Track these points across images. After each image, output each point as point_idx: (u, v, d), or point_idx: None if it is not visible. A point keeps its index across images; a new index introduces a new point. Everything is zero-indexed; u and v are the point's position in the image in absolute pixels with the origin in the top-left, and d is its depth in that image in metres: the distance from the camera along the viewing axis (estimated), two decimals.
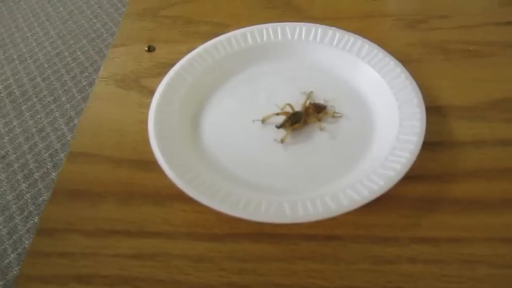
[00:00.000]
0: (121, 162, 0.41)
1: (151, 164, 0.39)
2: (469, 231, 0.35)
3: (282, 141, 0.41)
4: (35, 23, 2.04)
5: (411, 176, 0.37)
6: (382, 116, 0.42)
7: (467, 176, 0.38)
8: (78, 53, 1.85)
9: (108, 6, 2.07)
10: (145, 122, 0.42)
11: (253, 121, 0.42)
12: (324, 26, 0.48)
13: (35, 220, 1.33)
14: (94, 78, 1.74)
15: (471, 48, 0.49)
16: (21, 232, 1.29)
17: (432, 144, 0.40)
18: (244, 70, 0.47)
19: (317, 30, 0.48)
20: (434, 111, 0.43)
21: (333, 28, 0.48)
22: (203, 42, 0.49)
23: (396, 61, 0.44)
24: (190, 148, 0.40)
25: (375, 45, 0.46)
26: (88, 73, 1.77)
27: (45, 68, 1.81)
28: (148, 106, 0.43)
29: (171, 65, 0.47)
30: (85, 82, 1.73)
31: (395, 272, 0.33)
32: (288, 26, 0.49)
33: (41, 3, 2.15)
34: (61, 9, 2.10)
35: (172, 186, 0.37)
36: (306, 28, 0.48)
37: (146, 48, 0.52)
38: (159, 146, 0.38)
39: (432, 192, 0.37)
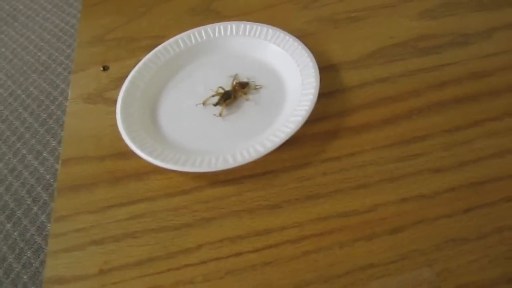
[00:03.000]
0: (104, 158, 0.54)
1: (127, 153, 0.51)
2: (360, 146, 0.49)
3: (220, 114, 0.54)
4: None
5: (316, 118, 0.51)
6: (290, 80, 0.55)
7: (356, 110, 0.52)
8: (31, 89, 1.90)
9: (49, 37, 2.12)
10: (115, 125, 0.54)
11: (196, 105, 0.55)
12: (237, 22, 0.62)
13: (28, 255, 1.40)
14: (53, 109, 1.80)
15: (353, 15, 0.64)
16: (17, 269, 1.37)
17: (328, 93, 0.54)
18: (183, 69, 0.60)
19: (232, 26, 0.61)
20: (329, 69, 0.57)
21: (244, 22, 0.61)
22: (146, 54, 0.61)
23: (295, 38, 0.58)
24: (153, 135, 0.53)
25: (277, 29, 0.59)
26: (46, 105, 1.83)
27: (2, 110, 1.85)
28: (114, 112, 0.55)
29: (124, 77, 0.59)
30: (44, 115, 1.79)
31: (313, 184, 0.47)
32: (209, 28, 0.62)
33: None
34: (3, 49, 2.13)
35: (146, 164, 0.50)
36: (223, 26, 0.61)
37: (102, 68, 0.64)
38: (130, 138, 0.51)
39: (332, 126, 0.51)
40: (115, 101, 0.56)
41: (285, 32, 0.59)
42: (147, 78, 0.58)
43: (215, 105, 0.54)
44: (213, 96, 0.55)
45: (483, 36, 0.57)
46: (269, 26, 0.60)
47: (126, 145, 0.51)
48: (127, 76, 0.59)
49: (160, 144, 0.51)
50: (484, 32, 0.57)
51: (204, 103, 0.55)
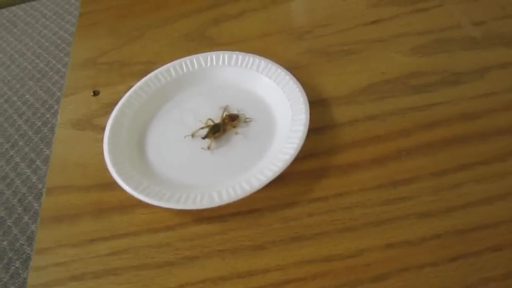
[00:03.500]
0: (89, 188, 0.53)
1: (113, 184, 0.51)
2: (348, 186, 0.49)
3: (208, 148, 0.53)
4: None
5: (304, 156, 0.51)
6: (280, 114, 0.55)
7: (345, 148, 0.52)
8: (27, 96, 1.90)
9: (48, 44, 2.12)
10: (101, 154, 0.53)
11: (185, 136, 0.55)
12: (229, 51, 0.61)
13: (17, 265, 1.39)
14: (48, 118, 1.80)
15: (346, 48, 0.63)
16: (5, 280, 1.35)
17: (318, 129, 0.54)
18: (173, 98, 0.60)
19: (224, 56, 0.61)
20: (319, 103, 0.57)
21: (236, 52, 0.61)
22: (137, 80, 0.61)
23: (286, 71, 0.58)
24: (139, 167, 0.52)
25: (269, 60, 0.59)
26: (41, 113, 1.83)
27: None
28: (101, 140, 0.55)
29: (114, 104, 0.58)
30: (39, 123, 1.78)
31: (299, 225, 0.46)
32: (201, 57, 0.61)
33: None
34: (1, 55, 2.13)
35: (131, 197, 0.49)
36: (215, 56, 0.61)
37: (92, 93, 0.64)
38: (115, 170, 0.50)
39: (320, 164, 0.51)
40: (103, 128, 0.56)
41: (277, 65, 0.58)
42: (137, 107, 0.58)
43: (204, 138, 0.53)
44: (202, 128, 0.55)
45: (475, 75, 0.57)
46: (261, 57, 0.60)
47: (111, 176, 0.51)
48: (117, 102, 0.58)
49: (146, 177, 0.51)
50: (476, 71, 0.57)
51: (192, 135, 0.55)
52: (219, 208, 0.47)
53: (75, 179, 0.54)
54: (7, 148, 1.73)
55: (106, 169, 0.52)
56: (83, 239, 0.49)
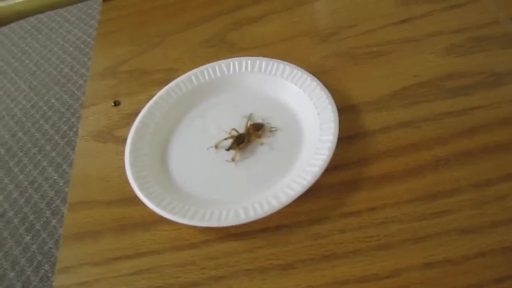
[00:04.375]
0: (111, 203, 0.52)
1: (135, 199, 0.49)
2: (381, 200, 0.46)
3: (232, 160, 0.51)
4: (5, 80, 2.09)
5: (335, 167, 0.48)
6: (307, 123, 0.52)
7: (378, 158, 0.49)
8: (53, 101, 1.92)
9: (72, 49, 2.14)
10: (123, 167, 0.52)
11: (208, 148, 0.53)
12: (252, 57, 0.59)
13: (46, 268, 1.41)
14: (73, 122, 1.81)
15: (374, 49, 0.60)
16: (35, 283, 1.37)
17: (348, 137, 0.51)
18: (195, 107, 0.58)
19: (247, 62, 0.59)
20: (348, 110, 0.54)
21: (260, 57, 0.59)
22: (158, 89, 0.59)
23: (312, 76, 0.55)
24: (162, 181, 0.50)
25: (294, 66, 0.57)
26: (66, 117, 1.84)
27: (24, 122, 1.87)
28: (123, 153, 0.53)
29: (136, 114, 0.57)
30: (65, 127, 1.80)
31: (330, 242, 0.44)
32: (223, 63, 0.59)
33: (6, 60, 2.20)
34: (27, 61, 2.16)
35: (154, 213, 0.47)
36: (238, 62, 0.59)
37: (113, 104, 0.62)
38: (137, 185, 0.49)
39: (351, 176, 0.48)
40: (125, 140, 0.54)
41: (303, 70, 0.56)
42: (158, 118, 0.56)
43: (228, 149, 0.51)
44: (226, 139, 0.53)
45: None
46: (285, 62, 0.57)
47: (134, 190, 0.49)
48: (138, 113, 0.57)
49: (169, 192, 0.49)
50: None
51: (216, 146, 0.53)
52: (246, 224, 0.45)
53: (97, 194, 0.53)
54: (34, 153, 1.75)
55: (128, 183, 0.50)
56: (106, 257, 0.47)
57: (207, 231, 0.46)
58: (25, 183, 1.66)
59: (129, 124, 0.56)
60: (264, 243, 0.45)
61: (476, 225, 0.42)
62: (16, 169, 1.71)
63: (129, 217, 0.50)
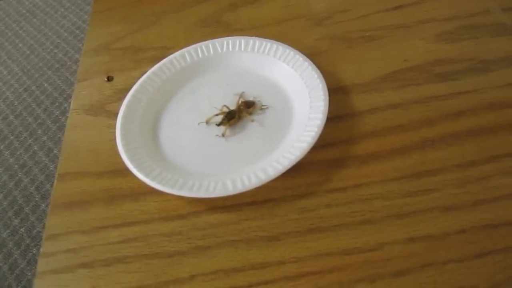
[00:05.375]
0: (101, 174, 0.52)
1: (125, 171, 0.49)
2: (367, 177, 0.46)
3: (223, 135, 0.52)
4: None
5: (323, 145, 0.49)
6: (297, 102, 0.53)
7: (365, 137, 0.50)
8: (45, 85, 1.91)
9: (66, 34, 2.13)
10: (114, 140, 0.52)
11: (199, 123, 0.53)
12: (246, 37, 0.59)
13: (34, 252, 1.40)
14: (66, 107, 1.80)
15: (367, 34, 0.61)
16: (22, 266, 1.36)
17: (337, 117, 0.52)
18: (188, 84, 0.58)
19: (240, 42, 0.59)
20: (339, 91, 0.54)
21: (253, 37, 0.59)
22: (151, 66, 0.59)
23: (304, 57, 0.55)
24: (152, 153, 0.51)
25: (287, 46, 0.57)
26: (59, 102, 1.83)
27: (16, 105, 1.86)
28: (114, 126, 0.53)
29: (128, 89, 0.57)
30: (57, 112, 1.79)
31: (316, 216, 0.44)
32: (217, 42, 0.60)
33: (0, 43, 2.18)
34: (20, 45, 2.14)
35: (143, 185, 0.48)
36: (232, 41, 0.59)
37: (106, 79, 0.62)
38: (127, 156, 0.49)
39: (339, 154, 0.49)
40: (116, 114, 0.55)
41: (296, 51, 0.56)
42: (151, 92, 0.56)
43: (218, 125, 0.52)
44: (216, 115, 0.53)
45: (505, 63, 0.54)
46: (279, 43, 0.58)
47: (124, 163, 0.49)
48: (130, 88, 0.57)
49: (159, 163, 0.49)
50: (505, 58, 0.54)
51: (207, 122, 0.53)
52: (233, 197, 0.46)
53: (87, 165, 0.53)
54: (25, 137, 1.74)
55: (119, 156, 0.50)
56: (94, 226, 0.47)
57: (195, 203, 0.47)
58: (15, 166, 1.65)
59: (121, 99, 0.57)
60: (250, 216, 0.45)
61: (459, 203, 0.43)
62: (7, 152, 1.70)
63: (119, 188, 0.50)
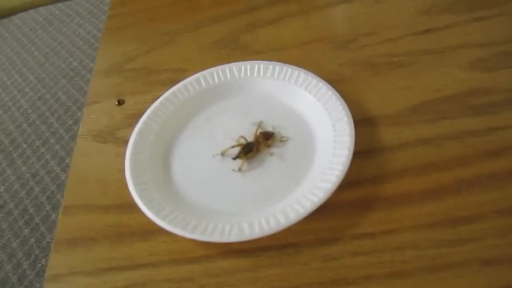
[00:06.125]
0: (108, 208, 0.49)
1: (134, 206, 0.46)
2: (398, 222, 0.42)
3: (239, 169, 0.48)
4: (13, 71, 2.08)
5: (349, 183, 0.45)
6: (320, 134, 0.49)
7: (395, 176, 0.46)
8: (60, 94, 1.90)
9: (82, 43, 2.12)
10: (123, 170, 0.49)
11: (214, 155, 0.50)
12: (265, 61, 0.56)
13: (43, 263, 1.38)
14: (79, 116, 1.79)
15: (394, 60, 0.57)
16: (30, 277, 1.34)
17: (364, 152, 0.48)
18: (202, 111, 0.54)
19: (259, 66, 0.55)
20: (365, 122, 0.50)
21: (273, 62, 0.56)
22: (165, 89, 0.56)
23: (328, 85, 0.52)
24: (163, 188, 0.47)
25: (309, 73, 0.53)
26: (72, 112, 1.82)
27: (30, 114, 1.85)
28: (124, 155, 0.50)
29: (140, 114, 0.54)
30: (70, 121, 1.78)
31: (341, 266, 0.40)
32: (234, 66, 0.56)
33: (16, 50, 2.18)
34: (36, 53, 2.14)
35: (153, 222, 0.44)
36: (250, 66, 0.56)
37: (116, 102, 0.59)
38: (136, 191, 0.46)
39: (366, 194, 0.45)
40: (126, 142, 0.52)
41: (318, 78, 0.53)
42: (162, 119, 0.53)
43: (235, 158, 0.48)
44: (233, 146, 0.49)
45: None
46: (300, 68, 0.54)
47: (132, 196, 0.46)
48: (142, 113, 0.54)
49: (170, 200, 0.46)
50: None
51: (222, 154, 0.50)
52: (250, 240, 0.42)
53: (93, 197, 0.50)
54: (38, 145, 1.73)
55: (127, 188, 0.47)
56: (99, 267, 0.44)
57: (208, 245, 0.43)
58: (27, 175, 1.64)
59: (132, 125, 0.53)
60: (268, 262, 0.41)
61: (501, 257, 0.39)
62: (19, 161, 1.69)
63: (126, 225, 0.47)
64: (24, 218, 1.50)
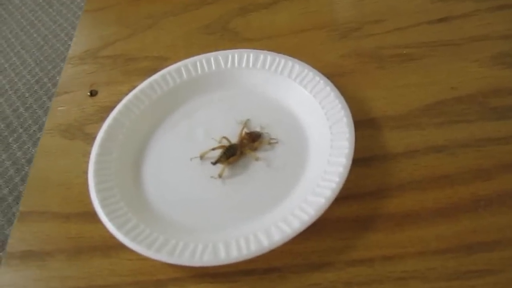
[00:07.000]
0: (69, 217, 0.42)
1: (97, 215, 0.40)
2: (402, 247, 0.36)
3: (219, 176, 0.42)
4: (11, 53, 2.03)
5: (345, 196, 0.38)
6: (315, 137, 0.43)
7: (400, 189, 0.39)
8: (57, 78, 1.85)
9: None
10: (88, 173, 0.43)
11: (191, 159, 0.43)
12: (255, 50, 0.49)
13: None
14: None
15: (404, 51, 0.50)
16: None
17: (364, 160, 0.41)
18: (182, 106, 0.48)
19: (249, 56, 0.49)
20: (367, 124, 0.44)
21: (264, 51, 0.49)
22: (143, 79, 0.49)
23: (326, 79, 0.45)
24: (130, 196, 0.41)
25: (305, 64, 0.47)
26: None
27: (27, 97, 1.81)
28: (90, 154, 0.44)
29: (113, 108, 0.47)
30: None
31: None
32: (220, 55, 0.49)
33: (15, 32, 2.14)
34: (35, 35, 2.09)
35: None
36: (238, 55, 0.49)
37: (89, 93, 0.53)
38: (98, 199, 0.40)
39: (366, 210, 0.38)
40: (95, 139, 0.45)
41: (315, 71, 0.46)
42: (136, 115, 0.46)
43: (215, 163, 0.41)
44: (213, 149, 0.43)
45: None
46: (295, 59, 0.47)
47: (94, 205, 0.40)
48: (114, 107, 0.47)
49: (137, 211, 0.39)
50: None
51: (201, 157, 0.43)
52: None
53: (54, 203, 0.44)
54: (34, 130, 1.69)
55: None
56: (53, 287, 0.38)
57: (178, 267, 0.37)
58: (23, 160, 1.60)
59: (103, 119, 0.47)
60: None
61: None
62: (15, 146, 1.65)
63: (88, 237, 0.41)
64: (18, 204, 1.45)
